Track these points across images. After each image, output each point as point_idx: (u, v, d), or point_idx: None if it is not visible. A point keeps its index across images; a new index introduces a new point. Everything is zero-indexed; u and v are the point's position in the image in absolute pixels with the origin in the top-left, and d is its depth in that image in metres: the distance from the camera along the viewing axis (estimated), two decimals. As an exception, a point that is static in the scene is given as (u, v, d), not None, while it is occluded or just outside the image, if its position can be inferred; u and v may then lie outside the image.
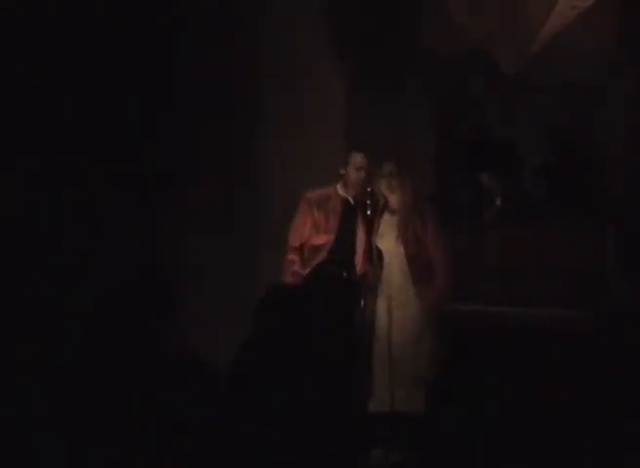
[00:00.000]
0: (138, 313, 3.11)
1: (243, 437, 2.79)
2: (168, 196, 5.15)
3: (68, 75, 4.61)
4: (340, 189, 5.01)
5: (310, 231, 4.95)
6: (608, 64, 6.24)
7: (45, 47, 4.52)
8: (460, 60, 6.72)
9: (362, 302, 4.83)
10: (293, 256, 4.93)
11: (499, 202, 6.67)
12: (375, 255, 4.81)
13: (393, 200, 4.83)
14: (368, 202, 4.85)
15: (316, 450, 2.87)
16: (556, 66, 6.17)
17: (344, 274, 4.91)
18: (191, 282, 5.06)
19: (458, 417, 4.59)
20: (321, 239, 4.92)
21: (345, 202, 4.98)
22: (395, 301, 4.74)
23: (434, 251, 4.76)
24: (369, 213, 4.83)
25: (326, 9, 6.16)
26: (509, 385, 4.94)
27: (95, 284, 4.25)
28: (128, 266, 4.58)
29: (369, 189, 4.86)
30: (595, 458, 4.03)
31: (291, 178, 5.77)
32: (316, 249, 4.93)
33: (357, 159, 4.94)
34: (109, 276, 4.31)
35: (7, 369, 3.05)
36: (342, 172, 4.97)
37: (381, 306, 4.78)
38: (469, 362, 5.07)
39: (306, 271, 4.88)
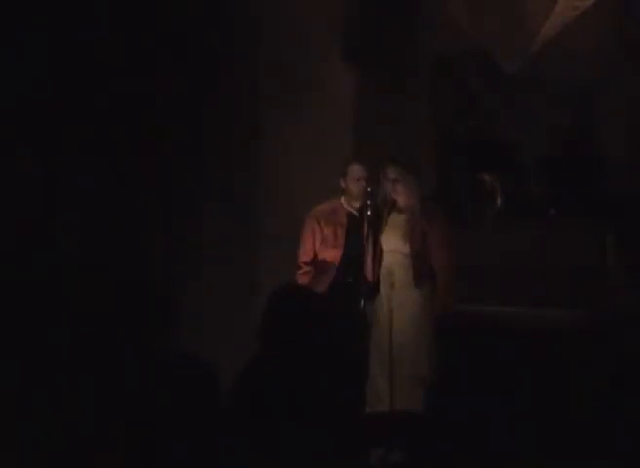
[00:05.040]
0: (138, 316, 3.12)
1: (243, 435, 2.80)
2: (168, 197, 5.15)
3: (69, 78, 4.61)
4: (344, 202, 5.00)
5: (319, 246, 4.95)
6: (608, 64, 6.25)
7: (42, 44, 4.52)
8: (460, 60, 6.73)
9: (362, 302, 4.83)
10: (307, 269, 4.93)
11: (499, 202, 6.68)
12: (377, 255, 4.83)
13: (399, 201, 4.87)
14: (368, 202, 4.87)
15: (316, 450, 2.88)
16: (556, 66, 6.17)
17: (350, 279, 4.92)
18: (191, 283, 5.07)
19: (457, 417, 4.59)
20: (330, 254, 4.92)
21: (351, 215, 4.98)
22: (396, 301, 4.75)
23: (437, 251, 4.78)
24: (369, 213, 4.85)
25: (327, 9, 6.16)
26: (509, 385, 4.94)
27: (95, 287, 4.24)
28: (127, 268, 4.58)
29: (369, 189, 4.88)
30: (594, 458, 4.03)
31: (291, 179, 5.77)
32: (326, 264, 4.93)
33: (355, 170, 4.92)
34: (109, 279, 4.31)
35: (8, 370, 3.06)
36: (343, 184, 4.96)
37: (382, 306, 4.79)
38: (469, 362, 5.07)
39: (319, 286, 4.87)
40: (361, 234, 4.88)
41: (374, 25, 6.34)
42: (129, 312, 3.07)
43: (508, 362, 5.09)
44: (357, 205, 4.96)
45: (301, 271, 4.95)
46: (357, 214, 4.97)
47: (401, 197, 4.85)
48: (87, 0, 4.71)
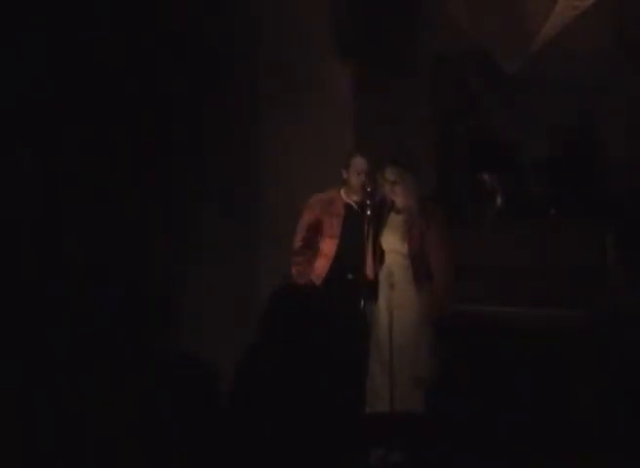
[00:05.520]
0: (137, 315, 3.11)
1: (242, 434, 2.80)
2: (168, 197, 5.15)
3: (69, 78, 4.61)
4: (343, 194, 5.01)
5: (315, 235, 4.95)
6: (608, 64, 6.25)
7: (44, 42, 4.52)
8: (460, 60, 6.73)
9: (362, 302, 4.84)
10: (301, 257, 4.94)
11: (499, 202, 6.68)
12: (377, 255, 4.84)
13: (397, 202, 4.88)
14: (368, 202, 4.88)
15: (316, 450, 2.88)
16: (556, 66, 6.17)
17: (350, 276, 4.92)
18: (191, 283, 5.07)
19: (457, 417, 4.59)
20: (326, 243, 4.93)
21: (348, 207, 4.99)
22: (396, 301, 4.75)
23: (435, 251, 4.79)
24: (369, 213, 4.85)
25: (327, 9, 6.16)
26: (509, 385, 4.94)
27: (95, 287, 4.25)
28: (127, 268, 4.58)
29: (368, 189, 4.88)
30: (594, 458, 4.03)
31: (291, 179, 5.77)
32: (321, 253, 4.94)
33: (358, 162, 4.93)
34: (109, 279, 4.31)
35: (8, 370, 3.05)
36: (345, 175, 4.96)
37: (382, 306, 4.80)
38: (469, 362, 5.07)
39: (315, 277, 4.88)
40: (359, 227, 4.89)
41: (374, 25, 6.34)
42: (129, 312, 3.07)
43: (508, 362, 5.08)
44: (355, 198, 4.97)
45: (296, 258, 4.96)
46: (356, 207, 4.98)
47: (399, 198, 4.85)
48: (87, 0, 4.71)
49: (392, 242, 4.85)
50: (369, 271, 4.87)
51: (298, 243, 4.98)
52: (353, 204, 4.99)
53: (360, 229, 4.87)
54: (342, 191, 5.01)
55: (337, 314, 4.62)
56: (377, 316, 4.83)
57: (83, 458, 2.61)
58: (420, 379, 4.61)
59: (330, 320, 4.24)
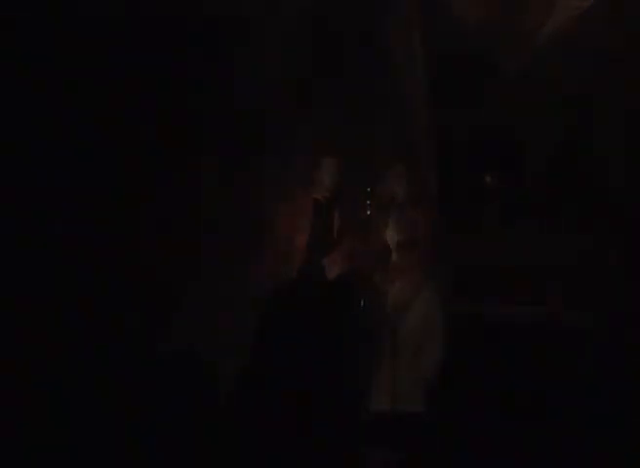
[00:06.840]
0: (138, 316, 3.12)
1: (243, 434, 2.80)
2: (168, 196, 5.15)
3: (69, 78, 4.62)
4: (313, 191, 5.10)
5: (287, 233, 5.05)
6: (608, 64, 6.25)
7: (44, 42, 4.53)
8: (461, 60, 6.73)
9: (362, 302, 4.84)
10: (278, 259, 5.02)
11: (499, 202, 6.69)
12: (383, 253, 4.86)
13: (396, 195, 4.94)
14: (368, 202, 4.89)
15: (316, 450, 2.88)
16: (556, 66, 6.18)
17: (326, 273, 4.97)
18: (191, 283, 5.07)
19: (458, 417, 4.59)
20: (298, 240, 5.02)
21: (316, 202, 5.09)
22: (396, 299, 4.76)
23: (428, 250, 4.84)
24: (368, 212, 4.87)
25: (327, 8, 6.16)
26: (509, 385, 4.95)
27: (96, 287, 4.25)
28: (127, 265, 4.58)
29: (369, 189, 4.91)
30: (595, 457, 4.04)
31: (291, 178, 5.77)
32: (295, 249, 5.01)
33: (329, 163, 5.04)
34: (108, 275, 4.31)
35: (7, 367, 3.06)
36: (315, 176, 5.06)
37: (383, 305, 4.80)
38: (470, 362, 5.08)
39: (291, 273, 4.94)
40: (327, 221, 5.01)
41: (374, 25, 6.34)
42: (129, 312, 3.07)
43: (508, 362, 5.10)
44: (326, 194, 5.07)
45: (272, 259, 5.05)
46: (323, 201, 5.07)
47: (398, 197, 4.91)
48: (87, 0, 4.72)
49: (389, 238, 4.89)
50: (339, 266, 4.95)
51: (276, 244, 5.05)
52: (320, 198, 5.08)
53: (329, 223, 4.98)
54: (313, 189, 5.10)
55: (336, 314, 4.64)
56: (377, 315, 4.83)
57: (83, 458, 2.61)
58: (420, 379, 4.61)
59: (328, 320, 4.24)
